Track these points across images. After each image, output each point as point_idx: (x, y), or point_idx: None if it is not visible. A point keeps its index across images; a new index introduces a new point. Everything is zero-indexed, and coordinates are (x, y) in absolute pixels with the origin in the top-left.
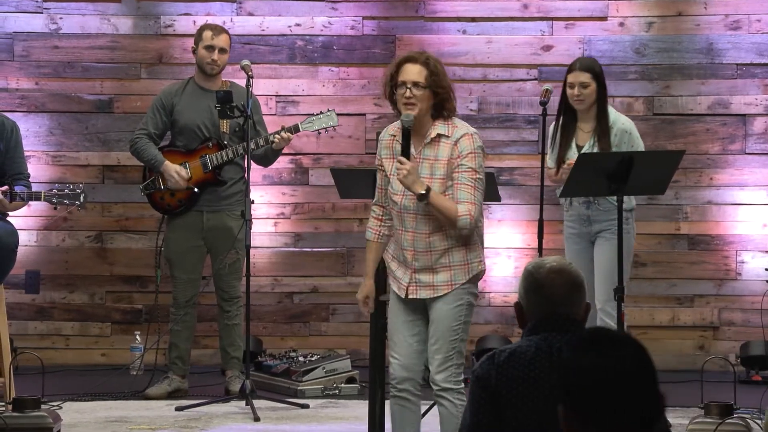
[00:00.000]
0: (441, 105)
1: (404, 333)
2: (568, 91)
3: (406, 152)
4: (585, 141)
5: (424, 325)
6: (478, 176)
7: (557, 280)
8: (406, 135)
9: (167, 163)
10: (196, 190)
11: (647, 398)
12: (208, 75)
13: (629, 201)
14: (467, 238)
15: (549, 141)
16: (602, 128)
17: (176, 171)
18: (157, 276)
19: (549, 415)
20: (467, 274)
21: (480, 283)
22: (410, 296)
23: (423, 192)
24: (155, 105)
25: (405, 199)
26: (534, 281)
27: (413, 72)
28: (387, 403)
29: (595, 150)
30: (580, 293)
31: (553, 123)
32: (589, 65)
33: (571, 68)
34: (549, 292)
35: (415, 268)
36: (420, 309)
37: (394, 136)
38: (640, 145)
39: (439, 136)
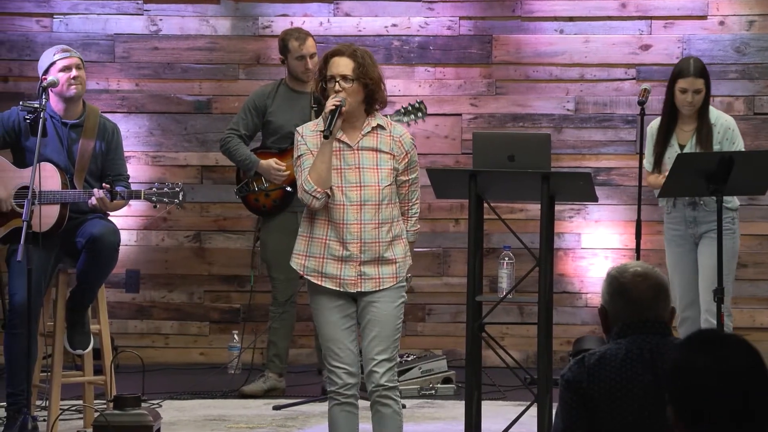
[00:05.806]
0: (371, 97)
1: (344, 338)
2: (679, 96)
3: (328, 128)
4: (686, 140)
5: (356, 325)
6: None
7: (642, 284)
8: (335, 112)
9: (262, 161)
10: (288, 189)
11: (758, 398)
12: (304, 81)
13: (733, 200)
14: (401, 232)
15: (646, 143)
16: (705, 126)
17: (273, 165)
18: (251, 278)
19: (641, 417)
20: (407, 268)
21: (577, 283)
22: (354, 290)
23: None
24: (248, 106)
25: (346, 190)
26: (619, 285)
27: (341, 65)
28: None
29: (697, 149)
30: (665, 297)
31: (650, 125)
32: (703, 70)
33: (683, 72)
34: (635, 296)
35: (362, 260)
36: (350, 304)
37: (320, 130)
38: (741, 143)
39: (379, 126)
